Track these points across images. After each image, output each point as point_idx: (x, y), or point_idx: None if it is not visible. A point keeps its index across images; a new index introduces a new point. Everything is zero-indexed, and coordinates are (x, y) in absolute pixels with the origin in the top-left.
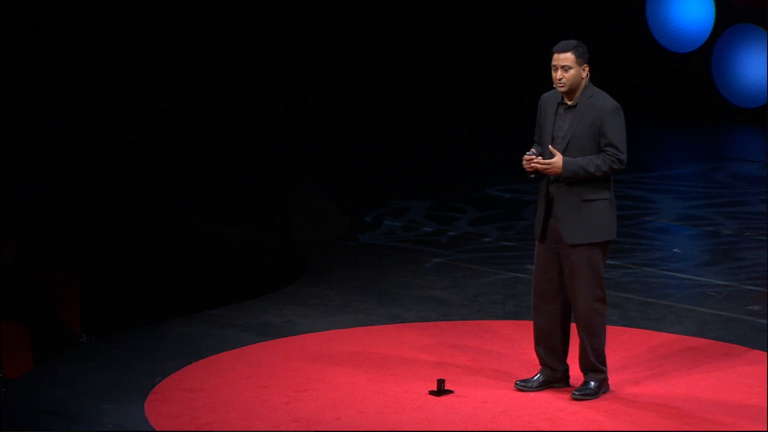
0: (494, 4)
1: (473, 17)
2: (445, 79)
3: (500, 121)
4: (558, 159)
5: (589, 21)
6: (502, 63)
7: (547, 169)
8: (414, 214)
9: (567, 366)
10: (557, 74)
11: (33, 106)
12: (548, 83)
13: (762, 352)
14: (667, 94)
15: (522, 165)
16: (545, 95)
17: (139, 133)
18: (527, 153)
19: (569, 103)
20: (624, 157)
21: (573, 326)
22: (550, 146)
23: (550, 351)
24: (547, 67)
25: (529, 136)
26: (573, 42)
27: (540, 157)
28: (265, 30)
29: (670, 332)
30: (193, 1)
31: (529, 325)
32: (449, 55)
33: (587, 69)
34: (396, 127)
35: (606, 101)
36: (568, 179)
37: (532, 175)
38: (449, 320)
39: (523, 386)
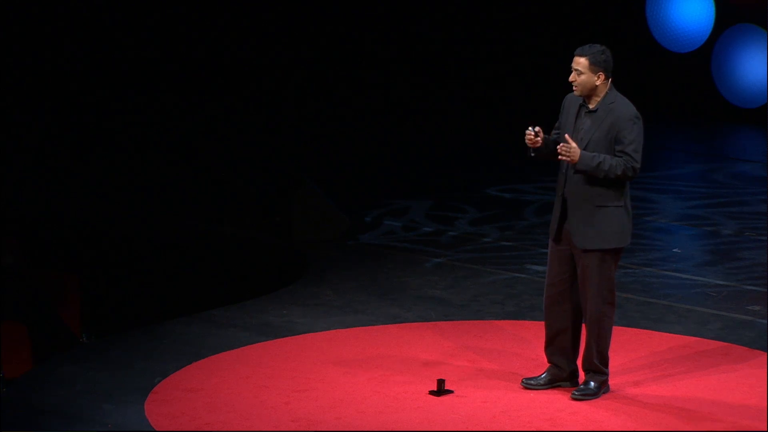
0: (493, 5)
1: (473, 18)
2: (445, 79)
3: (500, 121)
4: (576, 146)
5: (589, 21)
6: (503, 63)
7: (569, 152)
8: (414, 214)
9: (575, 366)
10: (571, 76)
11: (33, 106)
12: (547, 83)
13: (762, 352)
14: (667, 94)
15: (525, 140)
16: (569, 95)
17: (138, 132)
18: (528, 129)
19: (590, 107)
20: (638, 165)
21: (583, 327)
22: (566, 135)
23: (560, 351)
24: (546, 67)
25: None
26: (593, 48)
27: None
28: (266, 29)
29: (670, 332)
30: (193, 1)
31: (529, 324)
32: (449, 55)
33: (602, 77)
34: (396, 127)
35: (626, 109)
36: (581, 171)
37: (532, 153)
38: (449, 320)
39: (529, 384)
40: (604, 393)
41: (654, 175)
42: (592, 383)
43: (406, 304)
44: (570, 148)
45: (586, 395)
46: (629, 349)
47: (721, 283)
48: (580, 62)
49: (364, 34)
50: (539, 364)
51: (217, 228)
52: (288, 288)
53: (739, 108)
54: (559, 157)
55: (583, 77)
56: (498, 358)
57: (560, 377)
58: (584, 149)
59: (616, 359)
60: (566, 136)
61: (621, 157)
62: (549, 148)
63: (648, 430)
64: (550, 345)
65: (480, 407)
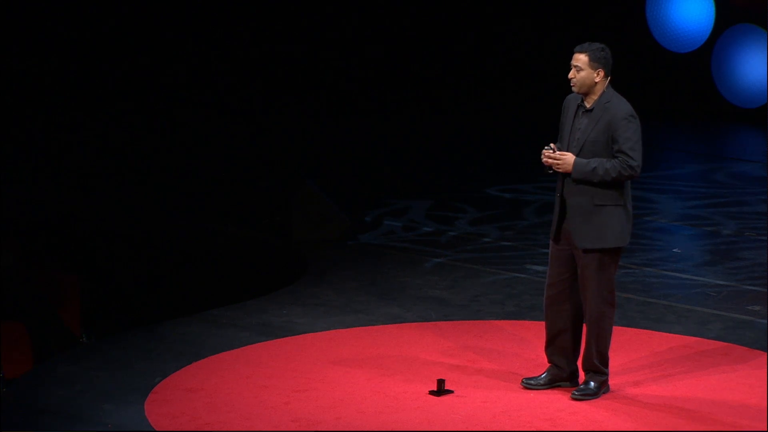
0: (493, 5)
1: (473, 18)
2: (445, 79)
3: (501, 121)
4: (569, 156)
5: (589, 20)
6: (502, 62)
7: (557, 164)
8: (414, 214)
9: (576, 367)
10: (570, 73)
11: (33, 106)
12: (546, 83)
13: (762, 352)
14: (667, 94)
15: (541, 160)
16: (569, 96)
17: (138, 133)
18: (546, 147)
19: (587, 106)
20: (635, 163)
21: (584, 327)
22: (554, 146)
23: (560, 351)
24: (546, 67)
25: (529, 136)
26: (593, 45)
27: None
28: (266, 29)
29: (670, 332)
30: (196, 0)
31: (529, 324)
32: (449, 55)
33: (601, 74)
34: (396, 127)
35: (621, 108)
36: (578, 180)
37: (550, 171)
38: (449, 320)
39: (529, 384)
40: (604, 393)
41: (654, 175)
42: (592, 383)
43: (406, 304)
44: (560, 161)
45: (586, 395)
46: (629, 349)
47: (721, 283)
48: (580, 59)
49: (363, 34)
50: (539, 364)
51: (217, 228)
52: (288, 288)
53: (739, 108)
54: (549, 171)
55: (582, 74)
56: (498, 358)
57: (560, 377)
58: (581, 149)
59: (616, 359)
60: (553, 146)
61: (618, 157)
62: None
63: (648, 430)
64: (550, 345)
65: (480, 407)
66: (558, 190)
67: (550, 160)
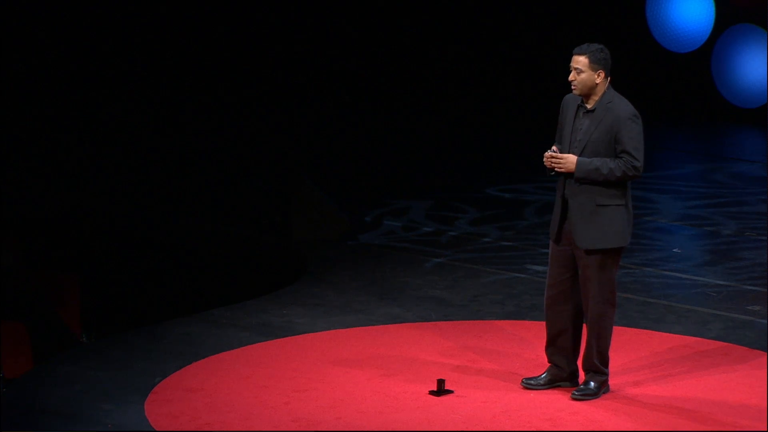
0: (492, 5)
1: (474, 19)
2: (445, 80)
3: (501, 121)
4: (571, 156)
5: (589, 21)
6: (503, 63)
7: (560, 164)
8: (414, 214)
9: (576, 366)
10: (570, 75)
11: (32, 106)
12: (546, 83)
13: (762, 352)
14: (667, 94)
15: (543, 162)
16: (568, 96)
17: (138, 132)
18: (549, 150)
19: (588, 107)
20: (639, 164)
21: (584, 327)
22: (554, 147)
23: (560, 351)
24: (546, 67)
25: (529, 136)
26: (592, 46)
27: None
28: (265, 28)
29: (670, 332)
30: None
31: (529, 325)
32: (449, 56)
33: (602, 75)
34: (397, 127)
35: (624, 108)
36: (581, 179)
37: (552, 173)
38: (449, 320)
39: (529, 384)
40: (604, 393)
41: (654, 175)
42: (592, 383)
43: (406, 304)
44: (562, 162)
45: (586, 395)
46: (629, 349)
47: (721, 283)
48: (580, 61)
49: (362, 34)
50: (539, 364)
51: (217, 228)
52: (288, 288)
53: (739, 108)
54: (551, 174)
55: (583, 76)
56: (498, 358)
57: (560, 377)
58: (583, 149)
59: (616, 359)
60: (554, 147)
61: (621, 157)
62: None
63: (648, 430)
64: (551, 345)
65: (480, 407)
66: (559, 191)
67: (552, 161)
